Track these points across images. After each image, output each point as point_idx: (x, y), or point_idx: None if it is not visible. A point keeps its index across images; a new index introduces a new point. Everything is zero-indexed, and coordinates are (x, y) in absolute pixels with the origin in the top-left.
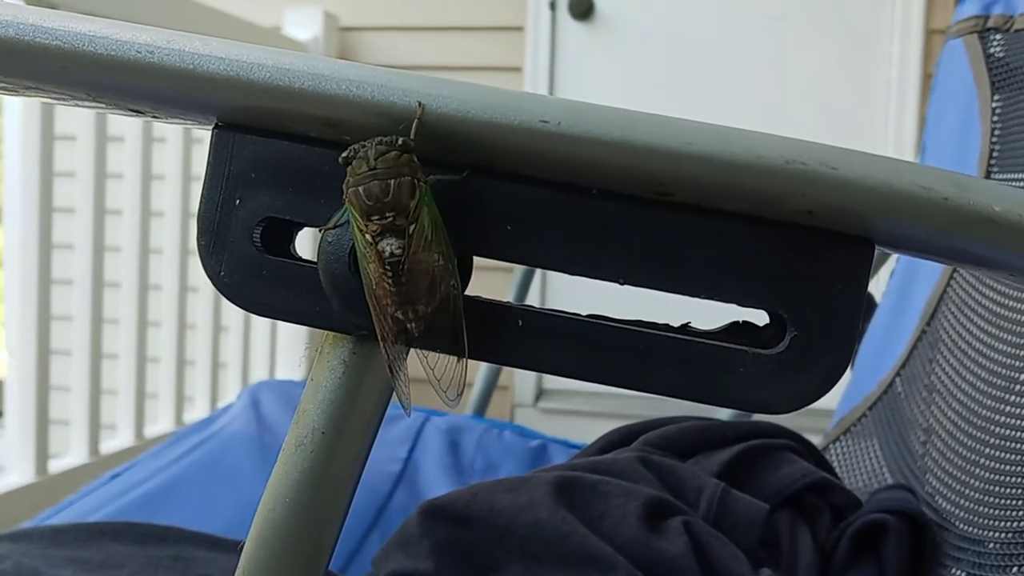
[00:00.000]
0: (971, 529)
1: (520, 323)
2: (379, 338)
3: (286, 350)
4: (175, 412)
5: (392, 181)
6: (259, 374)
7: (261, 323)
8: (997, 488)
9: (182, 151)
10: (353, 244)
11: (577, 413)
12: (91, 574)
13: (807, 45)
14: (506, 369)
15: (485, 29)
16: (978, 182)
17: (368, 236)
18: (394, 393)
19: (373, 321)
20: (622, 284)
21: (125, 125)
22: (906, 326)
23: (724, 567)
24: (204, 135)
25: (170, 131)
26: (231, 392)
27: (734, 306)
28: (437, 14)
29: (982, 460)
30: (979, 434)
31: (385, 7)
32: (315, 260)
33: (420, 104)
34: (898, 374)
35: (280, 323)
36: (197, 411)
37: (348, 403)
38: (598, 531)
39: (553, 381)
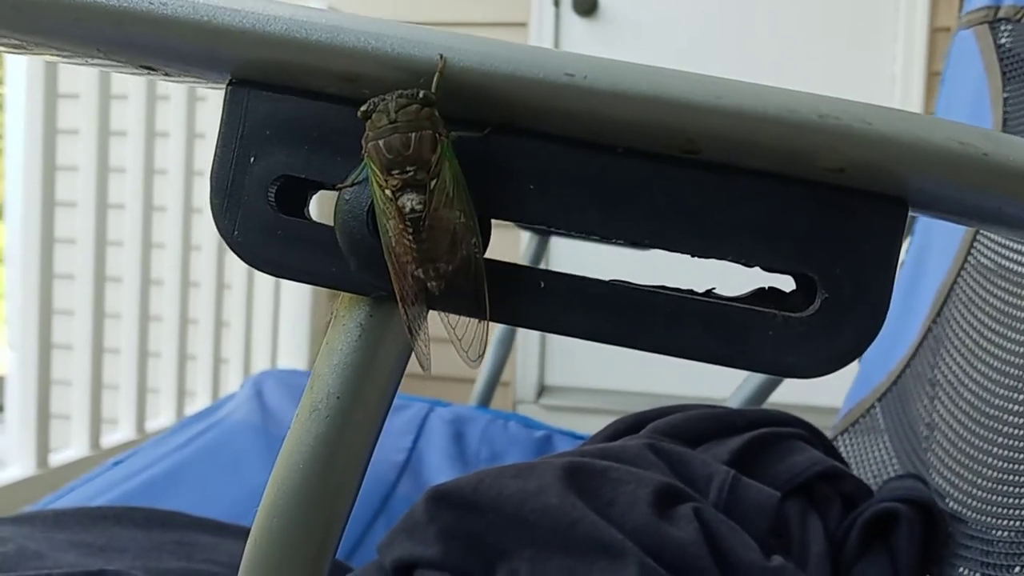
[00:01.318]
0: (979, 523)
1: (542, 285)
2: (398, 298)
3: (288, 345)
4: (176, 406)
5: (413, 134)
6: (260, 369)
7: (263, 318)
8: (1006, 483)
9: (185, 146)
10: (371, 202)
11: (579, 410)
12: (94, 557)
13: (811, 42)
14: (508, 364)
15: (489, 25)
16: (1015, 139)
17: (388, 192)
18: (412, 355)
19: (392, 281)
20: (647, 247)
21: (129, 119)
22: (915, 318)
23: (735, 554)
24: (208, 121)
25: (173, 124)
26: (232, 387)
27: (757, 274)
28: (440, 10)
29: (991, 455)
30: (987, 430)
31: (390, 3)
32: (329, 223)
33: (442, 57)
34: (907, 366)
35: (282, 317)
36: (198, 405)
37: (364, 367)
38: (608, 517)
39: (555, 377)
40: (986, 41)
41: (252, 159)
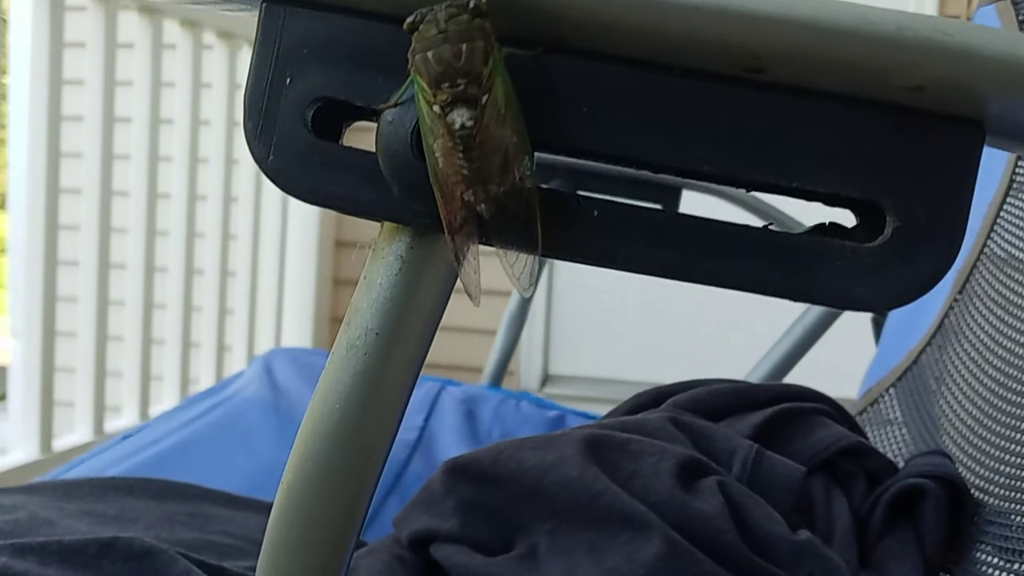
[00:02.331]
0: (999, 508)
1: (596, 214)
2: (444, 225)
3: (291, 332)
4: (180, 393)
5: (464, 45)
6: None
7: (267, 305)
8: None
9: (189, 133)
10: (416, 124)
11: (583, 399)
12: (106, 526)
13: None
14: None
15: None
16: None
17: (436, 108)
18: (462, 284)
19: (438, 207)
20: (706, 173)
21: (133, 106)
22: (937, 293)
23: (761, 528)
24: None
25: (178, 112)
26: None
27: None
28: None
29: (1013, 440)
30: (1015, 407)
31: None
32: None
33: None
34: (928, 344)
35: (285, 304)
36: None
37: (405, 301)
38: (630, 490)
39: (559, 366)
40: (1009, 17)
41: (288, 80)
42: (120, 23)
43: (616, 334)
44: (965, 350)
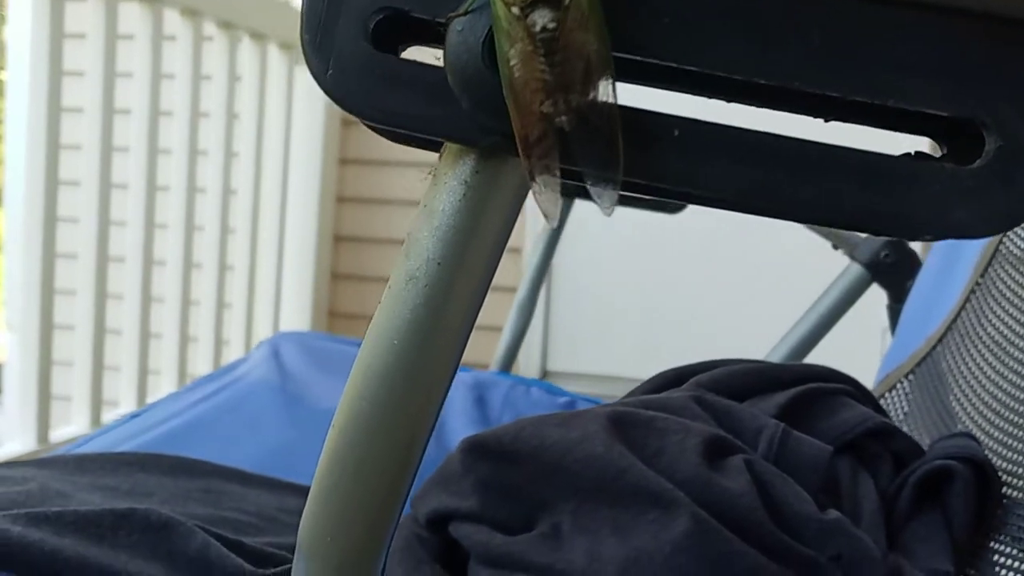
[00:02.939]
0: (1017, 499)
1: (676, 133)
2: (519, 141)
3: (290, 326)
4: (178, 388)
5: None
6: None
7: (265, 299)
8: None
9: (189, 126)
10: (488, 33)
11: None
12: (120, 500)
13: None
14: None
15: None
16: None
17: (516, 8)
18: (537, 204)
19: (510, 123)
20: (795, 90)
21: (133, 98)
22: (958, 278)
23: (790, 507)
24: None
25: (178, 105)
26: None
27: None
28: None
29: None
30: None
31: None
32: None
33: None
34: (948, 329)
35: (283, 298)
36: None
37: (469, 229)
38: (656, 468)
39: (558, 363)
40: None
41: None
42: (120, 14)
43: (615, 330)
44: (983, 340)
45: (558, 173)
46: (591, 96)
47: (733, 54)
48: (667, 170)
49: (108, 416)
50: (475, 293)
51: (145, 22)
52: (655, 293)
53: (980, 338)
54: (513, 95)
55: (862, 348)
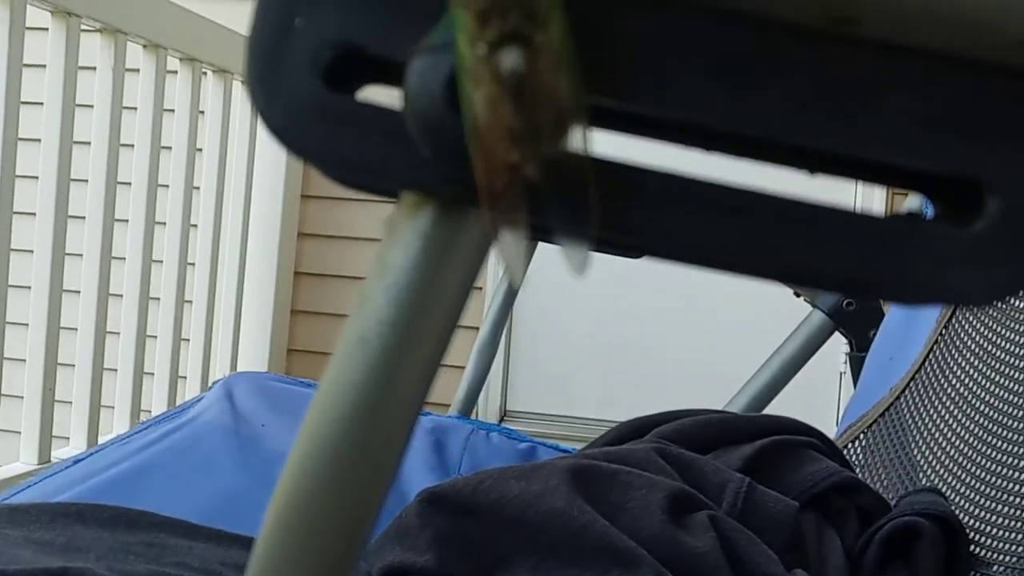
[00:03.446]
0: (980, 551)
1: (653, 187)
2: (483, 191)
3: (248, 362)
4: (131, 423)
5: None
6: None
7: (223, 334)
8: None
9: (149, 156)
10: (451, 72)
11: (542, 436)
12: (54, 557)
13: None
14: None
15: None
16: None
17: (482, 47)
18: (501, 262)
19: (473, 172)
20: (781, 142)
21: (93, 130)
22: (921, 327)
23: (756, 567)
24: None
25: (138, 135)
26: None
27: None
28: None
29: (1000, 477)
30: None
31: None
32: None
33: None
34: (912, 379)
35: (242, 333)
36: None
37: (426, 288)
38: (619, 524)
39: (518, 403)
40: None
41: (299, 22)
42: (82, 45)
43: (576, 370)
44: (947, 392)
45: (525, 229)
46: (562, 145)
47: (714, 101)
48: (643, 227)
49: (58, 452)
50: (431, 356)
51: (107, 54)
52: (616, 333)
53: (944, 389)
54: (477, 142)
55: (819, 391)
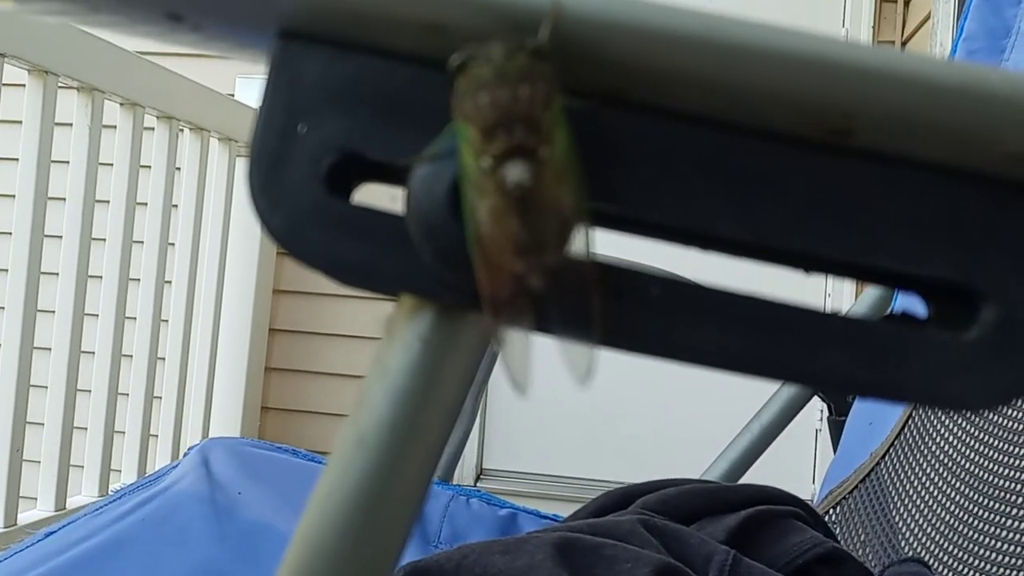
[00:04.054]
0: None
1: (656, 293)
2: (487, 301)
3: (221, 420)
4: (100, 484)
5: (523, 87)
6: (191, 444)
7: (196, 392)
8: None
9: (124, 213)
10: (454, 180)
11: (519, 494)
12: None
13: None
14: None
15: None
16: None
17: (487, 160)
18: (505, 371)
19: (474, 279)
20: (778, 249)
21: (69, 184)
22: None
23: None
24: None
25: (113, 192)
26: (161, 463)
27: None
28: None
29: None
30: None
31: None
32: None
33: (556, 2)
34: (892, 444)
35: (215, 391)
36: (124, 482)
37: (425, 391)
38: None
39: (494, 460)
40: None
41: (302, 129)
42: (59, 100)
43: (552, 429)
44: (927, 457)
45: (530, 337)
46: (565, 253)
47: (713, 210)
48: (645, 331)
49: (24, 513)
50: (430, 456)
51: (84, 112)
52: (592, 392)
53: (924, 455)
54: (482, 252)
55: (796, 449)
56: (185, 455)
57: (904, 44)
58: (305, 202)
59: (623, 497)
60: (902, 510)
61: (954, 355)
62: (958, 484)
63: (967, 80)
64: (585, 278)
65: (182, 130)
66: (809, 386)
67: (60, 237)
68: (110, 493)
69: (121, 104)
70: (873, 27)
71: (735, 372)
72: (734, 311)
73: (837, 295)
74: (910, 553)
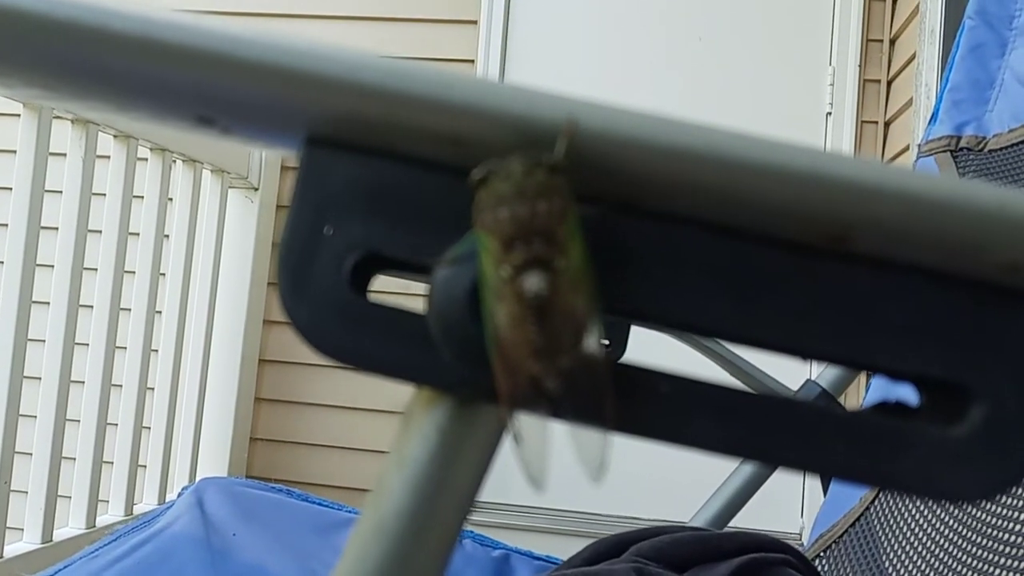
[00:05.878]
0: None
1: (664, 390)
2: (505, 398)
3: (210, 451)
4: (87, 515)
5: (541, 201)
6: (179, 476)
7: (185, 423)
8: None
9: (116, 245)
10: (473, 285)
11: (508, 527)
12: None
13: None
14: None
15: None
16: None
17: (506, 269)
18: (522, 469)
19: (490, 375)
20: (778, 345)
21: (60, 216)
22: None
23: None
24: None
25: (106, 222)
26: (149, 495)
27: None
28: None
29: None
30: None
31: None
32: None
33: (571, 119)
34: (881, 490)
35: (204, 421)
36: (112, 514)
37: (443, 480)
38: None
39: (484, 493)
40: (949, 169)
41: (328, 230)
42: (53, 131)
43: (742, 458)
44: (916, 503)
45: (547, 435)
46: (579, 357)
47: (717, 314)
48: (654, 426)
49: (12, 547)
50: (448, 541)
51: (78, 144)
52: None
53: (913, 499)
54: (500, 354)
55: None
56: (179, 495)
57: (890, 83)
58: (329, 299)
59: (617, 544)
60: (891, 555)
61: (945, 449)
62: (946, 531)
63: (959, 196)
64: (598, 376)
65: (175, 161)
66: (813, 473)
67: (52, 266)
68: (97, 526)
69: (115, 136)
70: (860, 66)
71: (739, 459)
72: (739, 405)
73: None
74: None
